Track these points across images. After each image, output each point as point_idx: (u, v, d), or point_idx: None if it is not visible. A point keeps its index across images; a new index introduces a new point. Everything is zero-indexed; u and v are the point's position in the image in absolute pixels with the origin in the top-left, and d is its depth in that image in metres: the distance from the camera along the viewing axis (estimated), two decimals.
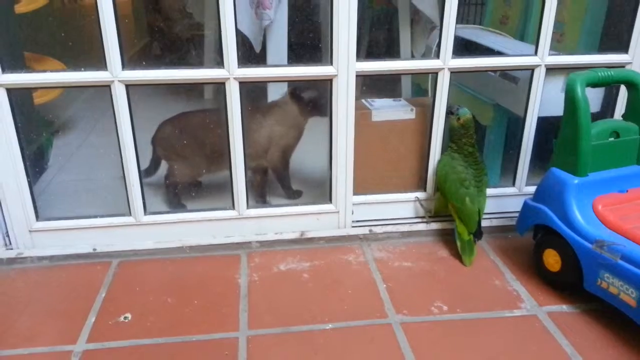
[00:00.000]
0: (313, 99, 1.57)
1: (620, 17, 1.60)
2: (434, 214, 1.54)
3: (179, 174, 1.63)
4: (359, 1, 1.29)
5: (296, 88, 1.58)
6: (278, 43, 1.99)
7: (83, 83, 1.31)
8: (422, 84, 2.07)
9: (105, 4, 1.21)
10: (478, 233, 1.41)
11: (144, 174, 1.50)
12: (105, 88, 1.30)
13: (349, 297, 1.28)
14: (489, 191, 1.59)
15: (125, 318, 1.21)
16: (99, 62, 1.28)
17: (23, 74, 1.29)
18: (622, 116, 1.34)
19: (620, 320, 1.15)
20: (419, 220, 1.56)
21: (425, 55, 2.12)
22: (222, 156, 1.48)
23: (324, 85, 1.41)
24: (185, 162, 1.62)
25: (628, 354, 1.10)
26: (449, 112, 1.43)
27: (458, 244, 1.42)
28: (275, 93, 1.98)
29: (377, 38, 2.61)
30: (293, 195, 1.66)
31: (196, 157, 1.61)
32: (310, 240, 1.49)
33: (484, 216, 1.56)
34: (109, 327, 1.18)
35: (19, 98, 1.37)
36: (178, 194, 1.63)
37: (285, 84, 1.97)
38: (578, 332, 1.17)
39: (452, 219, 1.48)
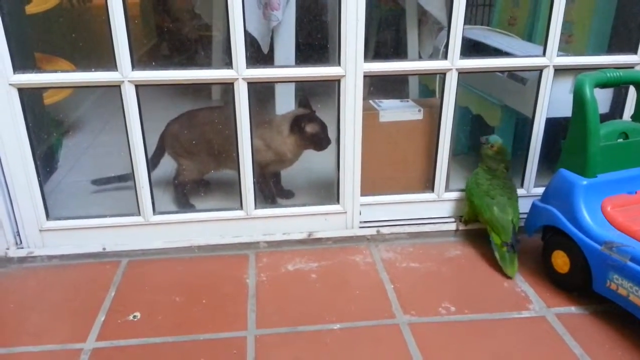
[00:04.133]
0: (314, 135, 1.55)
1: (629, 18, 1.59)
2: (465, 224, 1.53)
3: (188, 172, 1.64)
4: (367, 2, 1.30)
5: (300, 119, 1.55)
6: (286, 44, 1.99)
7: (93, 83, 1.32)
8: (430, 84, 2.07)
9: (115, 4, 1.22)
10: (515, 242, 1.37)
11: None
12: (115, 88, 1.31)
13: (357, 298, 1.28)
14: None
15: (134, 317, 1.22)
16: (109, 63, 1.29)
17: (34, 74, 1.30)
18: (631, 117, 1.34)
19: (630, 322, 1.15)
20: (427, 221, 1.56)
21: (432, 56, 2.12)
22: (231, 152, 1.49)
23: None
24: (195, 159, 1.63)
25: (637, 356, 1.10)
26: (482, 143, 1.45)
27: (497, 255, 1.39)
28: (284, 94, 2.00)
29: (384, 39, 2.62)
30: (269, 200, 1.64)
31: (206, 153, 1.62)
32: (318, 240, 1.50)
33: None
34: (118, 326, 1.19)
35: (30, 98, 1.38)
36: (187, 194, 1.64)
37: (293, 87, 1.98)
38: (587, 333, 1.16)
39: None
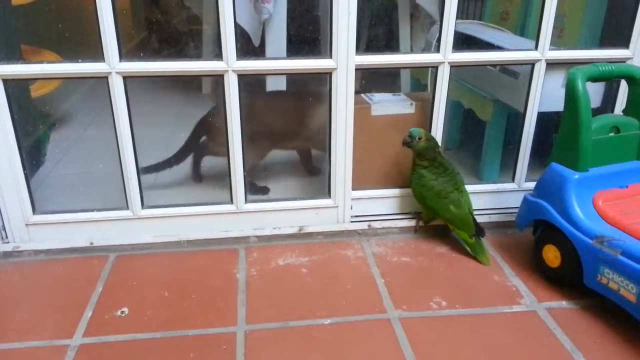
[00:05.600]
0: None
1: (621, 12, 1.59)
2: (425, 223, 1.51)
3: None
4: None
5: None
6: (277, 37, 1.98)
7: (80, 74, 1.30)
8: (422, 79, 2.06)
9: None
10: (479, 231, 1.40)
11: (172, 161, 1.65)
12: (102, 80, 1.29)
13: (348, 292, 1.27)
14: (489, 187, 1.59)
15: (122, 312, 1.20)
16: (97, 54, 1.26)
17: (19, 65, 1.28)
18: (623, 111, 1.34)
19: (620, 316, 1.15)
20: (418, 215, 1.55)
21: (425, 50, 2.11)
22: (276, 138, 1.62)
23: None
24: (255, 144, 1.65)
25: (628, 350, 1.10)
26: (408, 143, 1.41)
27: (467, 248, 1.41)
28: (274, 86, 1.98)
29: (376, 33, 2.60)
30: (313, 172, 1.76)
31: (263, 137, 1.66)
32: (309, 235, 1.49)
33: (483, 212, 1.56)
34: (106, 321, 1.17)
35: (16, 90, 1.36)
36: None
37: (284, 80, 1.97)
38: (578, 328, 1.16)
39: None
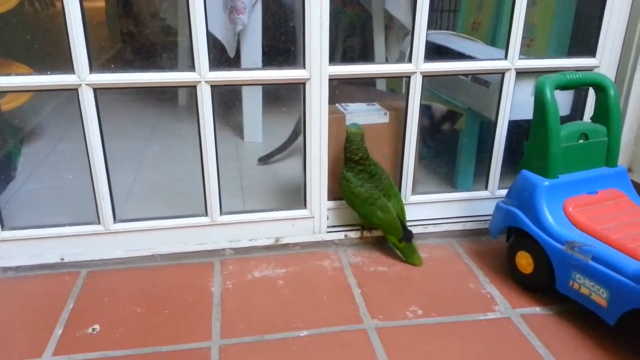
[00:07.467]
0: None
1: (588, 23, 1.63)
2: (369, 230, 1.52)
3: None
4: (331, 5, 1.29)
5: None
6: (252, 48, 1.98)
7: (49, 87, 1.27)
8: (397, 89, 2.08)
9: (72, 4, 1.18)
10: (407, 234, 1.41)
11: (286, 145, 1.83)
12: (73, 92, 1.27)
13: (324, 303, 1.26)
14: (463, 195, 1.60)
15: (93, 329, 1.17)
16: (66, 66, 1.25)
17: None
18: (591, 118, 1.36)
19: (592, 321, 1.16)
20: None
21: (399, 61, 2.13)
22: None
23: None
24: None
25: (600, 354, 1.11)
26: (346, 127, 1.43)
27: (398, 252, 1.43)
28: (250, 97, 1.98)
29: (352, 43, 2.63)
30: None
31: None
32: (285, 246, 1.48)
33: (458, 220, 1.57)
34: (77, 339, 1.14)
35: None
36: None
37: (260, 90, 1.97)
38: (551, 333, 1.17)
39: None
